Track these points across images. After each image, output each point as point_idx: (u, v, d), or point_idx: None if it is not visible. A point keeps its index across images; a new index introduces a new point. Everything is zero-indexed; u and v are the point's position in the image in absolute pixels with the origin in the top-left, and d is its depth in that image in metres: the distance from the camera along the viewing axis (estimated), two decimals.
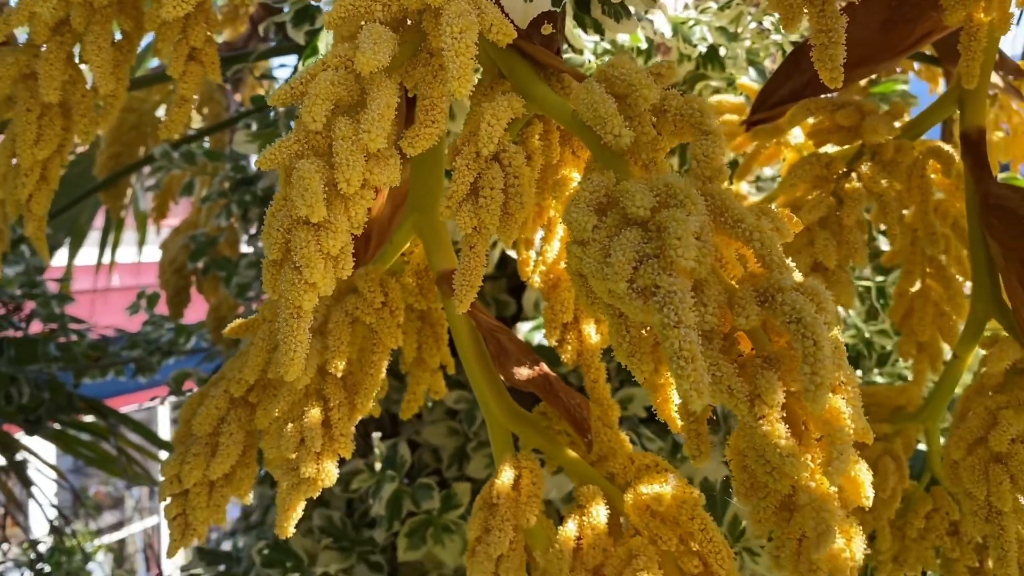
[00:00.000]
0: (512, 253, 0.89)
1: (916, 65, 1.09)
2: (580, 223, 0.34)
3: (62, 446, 1.67)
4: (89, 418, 1.61)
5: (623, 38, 0.80)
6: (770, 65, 0.95)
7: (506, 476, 0.46)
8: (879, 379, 1.00)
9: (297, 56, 1.00)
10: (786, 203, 0.60)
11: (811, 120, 0.63)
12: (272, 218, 0.38)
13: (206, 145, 1.41)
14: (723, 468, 0.81)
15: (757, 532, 0.38)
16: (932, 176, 0.64)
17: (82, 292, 2.35)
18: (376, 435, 0.92)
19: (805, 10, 0.39)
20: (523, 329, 0.88)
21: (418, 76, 0.41)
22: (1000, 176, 1.02)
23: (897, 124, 0.68)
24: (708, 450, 0.37)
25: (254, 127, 0.98)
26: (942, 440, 0.66)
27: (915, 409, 0.68)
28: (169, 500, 0.54)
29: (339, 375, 0.48)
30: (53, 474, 1.79)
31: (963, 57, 0.56)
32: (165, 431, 4.83)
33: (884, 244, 0.96)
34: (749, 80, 0.84)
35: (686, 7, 0.86)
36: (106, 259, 1.80)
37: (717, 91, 0.87)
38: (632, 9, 0.52)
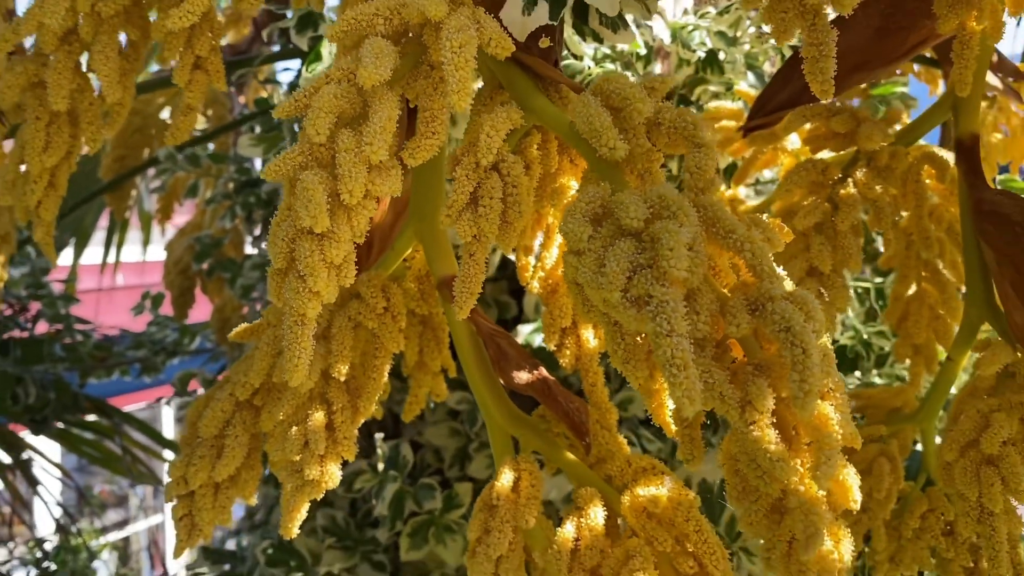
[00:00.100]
0: (513, 256, 0.90)
1: (916, 67, 1.09)
2: (576, 233, 0.35)
3: (67, 445, 1.69)
4: (92, 417, 1.62)
5: (622, 44, 0.81)
6: (769, 69, 0.95)
7: (506, 478, 0.47)
8: (878, 380, 1.01)
9: (301, 60, 1.01)
10: (782, 208, 0.61)
11: (807, 126, 0.64)
12: (277, 228, 0.39)
13: (210, 148, 1.42)
14: (721, 470, 0.82)
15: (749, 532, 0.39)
16: (927, 181, 0.65)
17: (87, 291, 2.37)
18: (379, 436, 0.93)
19: (797, 24, 0.40)
20: (524, 331, 0.89)
21: (419, 88, 0.42)
22: (999, 177, 1.02)
23: (898, 126, 0.69)
24: (701, 454, 0.38)
25: (257, 130, 0.99)
26: (938, 440, 0.67)
27: (911, 411, 0.69)
28: (175, 501, 0.55)
29: (342, 379, 0.49)
30: (58, 472, 1.80)
31: (956, 65, 0.57)
32: (169, 430, 4.85)
33: (883, 246, 0.97)
34: (747, 84, 0.85)
35: (685, 12, 0.87)
36: (111, 259, 1.82)
37: (716, 95, 0.87)
38: (630, 18, 0.53)
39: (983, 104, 1.19)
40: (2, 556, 2.02)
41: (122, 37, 0.58)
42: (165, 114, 1.42)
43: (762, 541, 0.37)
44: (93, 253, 1.89)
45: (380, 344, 0.51)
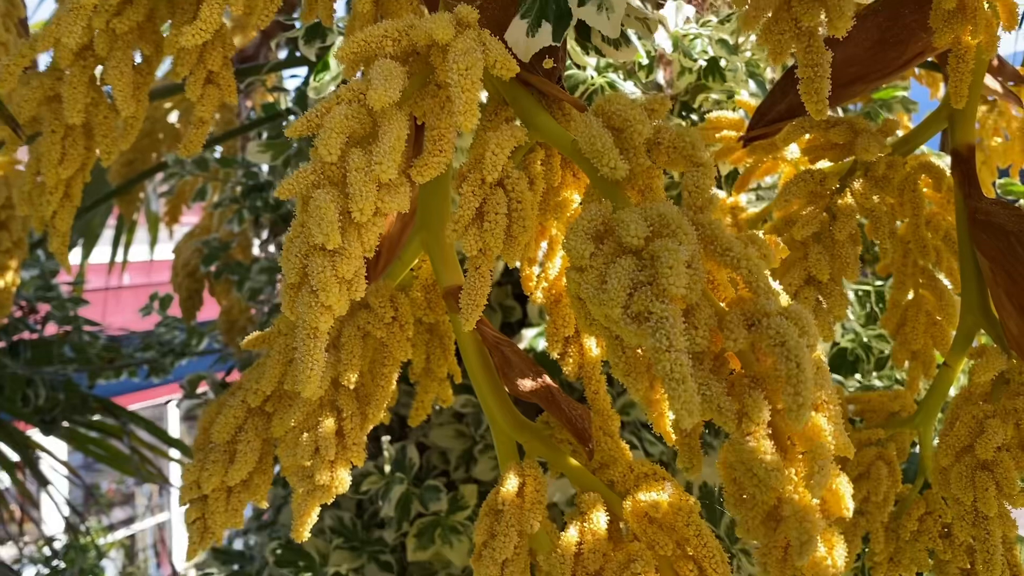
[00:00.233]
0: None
1: (917, 70, 1.10)
2: (578, 251, 0.36)
3: (75, 444, 1.71)
4: (97, 416, 1.64)
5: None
6: (771, 75, 0.97)
7: (511, 484, 0.48)
8: (877, 382, 1.02)
9: (308, 68, 1.03)
10: (781, 218, 0.62)
11: (806, 137, 0.65)
12: (290, 244, 0.40)
13: (218, 152, 1.43)
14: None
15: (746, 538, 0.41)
16: (924, 190, 0.66)
17: (94, 291, 2.39)
18: (385, 438, 0.94)
19: (792, 45, 0.41)
20: (528, 335, 0.90)
21: (426, 106, 0.43)
22: (999, 181, 1.03)
23: (899, 132, 0.70)
24: (700, 463, 0.39)
25: (264, 136, 1.00)
26: (936, 442, 0.69)
27: (909, 415, 0.70)
28: (188, 505, 0.56)
29: (352, 387, 0.51)
30: (65, 471, 1.82)
31: (952, 78, 0.58)
32: (175, 428, 4.87)
33: (880, 254, 0.98)
34: (748, 93, 0.86)
35: (687, 21, 0.88)
36: (118, 258, 1.83)
37: (718, 102, 0.89)
38: (632, 32, 0.54)
39: (983, 108, 1.21)
40: (12, 554, 2.04)
41: (135, 52, 0.60)
42: (173, 118, 1.43)
43: (758, 543, 0.39)
44: (100, 252, 1.90)
45: (388, 353, 0.52)
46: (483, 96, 0.51)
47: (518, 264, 0.57)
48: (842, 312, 0.61)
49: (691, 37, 0.86)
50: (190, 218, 1.72)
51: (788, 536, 0.35)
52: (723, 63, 0.87)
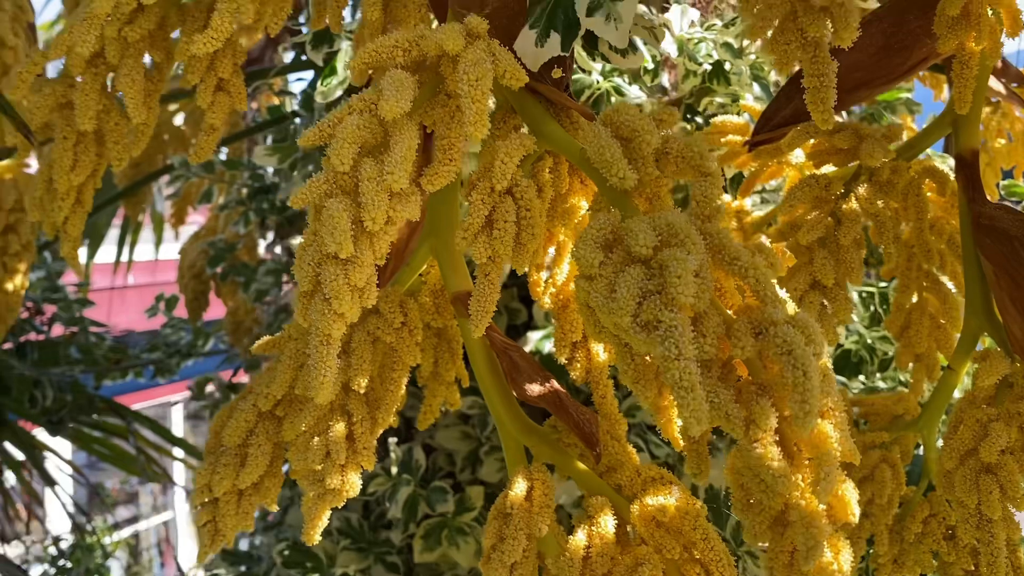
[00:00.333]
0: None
1: (921, 72, 1.11)
2: (587, 259, 0.37)
3: (80, 444, 1.71)
4: (103, 416, 1.64)
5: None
6: (775, 78, 0.97)
7: (519, 487, 0.49)
8: (881, 384, 1.03)
9: (314, 72, 1.03)
10: (786, 223, 0.63)
11: (811, 141, 0.66)
12: (303, 252, 0.40)
13: (223, 153, 1.44)
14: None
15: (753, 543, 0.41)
16: (928, 195, 0.66)
17: (99, 290, 2.39)
18: (392, 440, 0.95)
19: (799, 55, 0.42)
20: (533, 338, 0.91)
21: (436, 116, 0.44)
22: (1003, 182, 1.04)
23: (906, 135, 0.70)
24: (708, 469, 0.39)
25: (269, 139, 1.01)
26: (939, 443, 0.69)
27: (913, 417, 0.70)
28: (199, 508, 0.56)
29: (362, 392, 0.51)
30: (69, 470, 1.83)
31: (955, 84, 0.59)
32: (178, 427, 4.89)
33: (885, 258, 0.98)
34: (753, 96, 0.87)
35: (692, 25, 0.88)
36: (123, 258, 1.84)
37: (723, 106, 0.89)
38: (638, 40, 0.55)
39: (987, 110, 1.21)
40: (18, 552, 2.05)
41: (146, 58, 0.60)
42: (179, 120, 1.44)
43: (766, 546, 0.39)
44: (106, 252, 1.91)
45: (398, 358, 0.53)
46: (491, 103, 0.51)
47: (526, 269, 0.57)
48: (847, 316, 0.61)
49: (696, 41, 0.86)
50: (196, 218, 1.72)
51: (795, 541, 0.36)
52: (727, 66, 0.87)
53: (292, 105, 1.18)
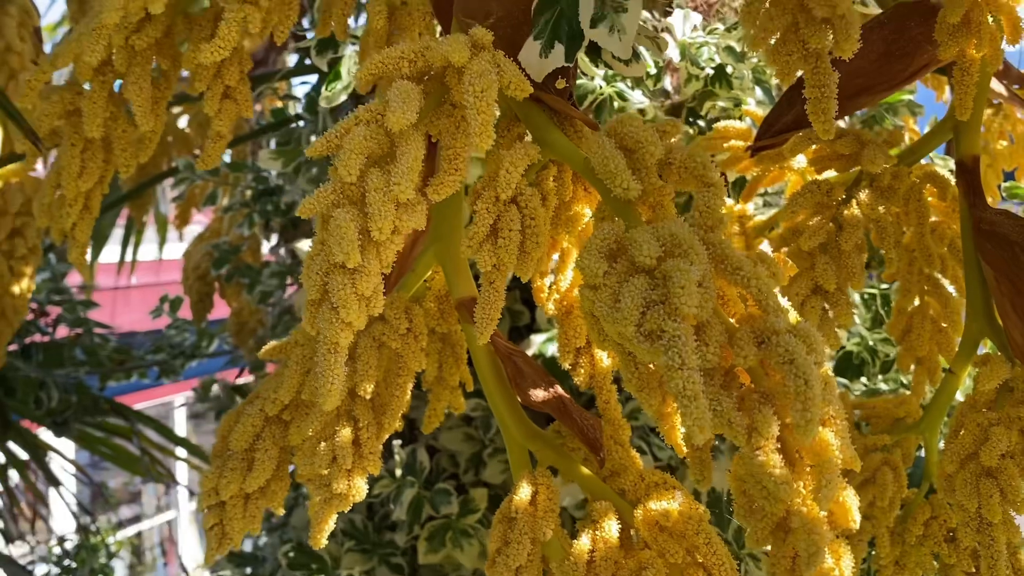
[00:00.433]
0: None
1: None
2: (592, 269, 0.37)
3: (84, 444, 1.72)
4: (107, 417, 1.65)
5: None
6: (777, 82, 0.97)
7: (524, 492, 0.49)
8: (883, 385, 1.03)
9: (318, 76, 1.04)
10: (788, 228, 0.63)
11: (813, 147, 0.66)
12: (311, 261, 0.41)
13: (227, 156, 1.45)
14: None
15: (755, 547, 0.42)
16: (929, 199, 0.67)
17: (103, 290, 2.40)
18: (396, 442, 0.96)
19: (800, 66, 0.42)
20: (536, 341, 0.91)
21: (442, 126, 0.44)
22: (1005, 184, 1.04)
23: (908, 137, 0.71)
24: (711, 475, 0.40)
25: (273, 144, 1.02)
26: (941, 445, 0.69)
27: (914, 420, 0.71)
28: (207, 511, 0.57)
29: (368, 397, 0.52)
30: (73, 469, 1.84)
31: (956, 91, 0.59)
32: (181, 427, 4.90)
33: (886, 262, 0.99)
34: (755, 100, 0.87)
35: (695, 29, 0.89)
36: (127, 258, 1.85)
37: (725, 109, 0.89)
38: (641, 48, 0.55)
39: (988, 111, 1.21)
40: (23, 551, 2.06)
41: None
42: (183, 123, 1.45)
43: (768, 548, 0.40)
44: (109, 251, 1.92)
45: (403, 363, 0.53)
46: (496, 112, 0.52)
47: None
48: (848, 321, 0.62)
49: (698, 45, 0.87)
50: (200, 218, 1.73)
51: (796, 547, 0.36)
52: (730, 70, 0.88)
53: (296, 108, 1.19)
